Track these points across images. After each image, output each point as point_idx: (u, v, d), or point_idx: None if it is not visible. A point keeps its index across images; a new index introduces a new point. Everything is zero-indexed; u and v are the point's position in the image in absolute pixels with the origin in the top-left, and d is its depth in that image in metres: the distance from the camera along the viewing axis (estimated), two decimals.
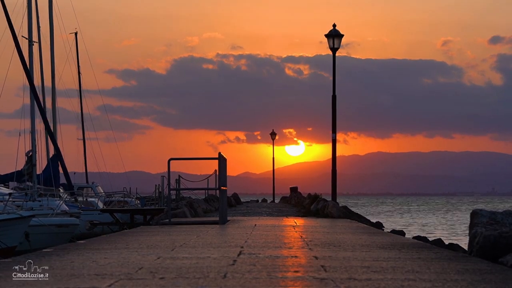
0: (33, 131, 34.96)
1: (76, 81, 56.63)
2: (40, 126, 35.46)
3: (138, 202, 38.86)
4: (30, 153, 34.94)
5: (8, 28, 32.91)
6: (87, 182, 51.04)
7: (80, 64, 56.55)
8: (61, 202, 29.77)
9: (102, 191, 46.68)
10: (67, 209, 29.39)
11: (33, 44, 35.73)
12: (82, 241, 10.60)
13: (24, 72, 33.47)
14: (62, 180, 37.37)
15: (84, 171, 54.69)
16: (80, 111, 56.03)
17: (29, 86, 34.04)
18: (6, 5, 33.02)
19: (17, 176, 35.08)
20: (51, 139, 35.66)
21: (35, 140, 35.00)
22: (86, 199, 36.20)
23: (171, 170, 16.55)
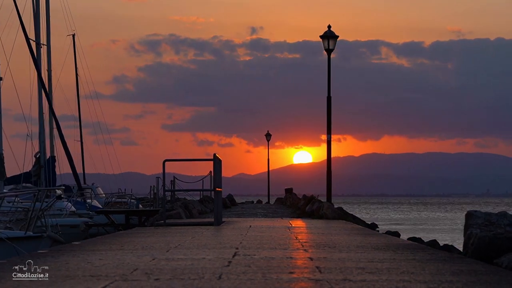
0: (41, 133, 35.10)
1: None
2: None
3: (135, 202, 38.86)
4: (38, 155, 35.02)
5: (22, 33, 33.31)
6: (85, 183, 51.00)
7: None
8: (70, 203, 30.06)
9: (102, 192, 46.75)
10: (74, 209, 29.69)
11: (41, 47, 35.90)
12: (77, 242, 10.58)
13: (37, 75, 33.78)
14: (58, 182, 37.28)
15: (82, 172, 54.64)
16: (78, 113, 55.98)
17: (40, 89, 34.34)
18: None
19: (25, 177, 35.05)
20: (62, 142, 35.67)
21: (43, 142, 35.15)
22: (85, 200, 36.26)
23: (166, 171, 16.54)
